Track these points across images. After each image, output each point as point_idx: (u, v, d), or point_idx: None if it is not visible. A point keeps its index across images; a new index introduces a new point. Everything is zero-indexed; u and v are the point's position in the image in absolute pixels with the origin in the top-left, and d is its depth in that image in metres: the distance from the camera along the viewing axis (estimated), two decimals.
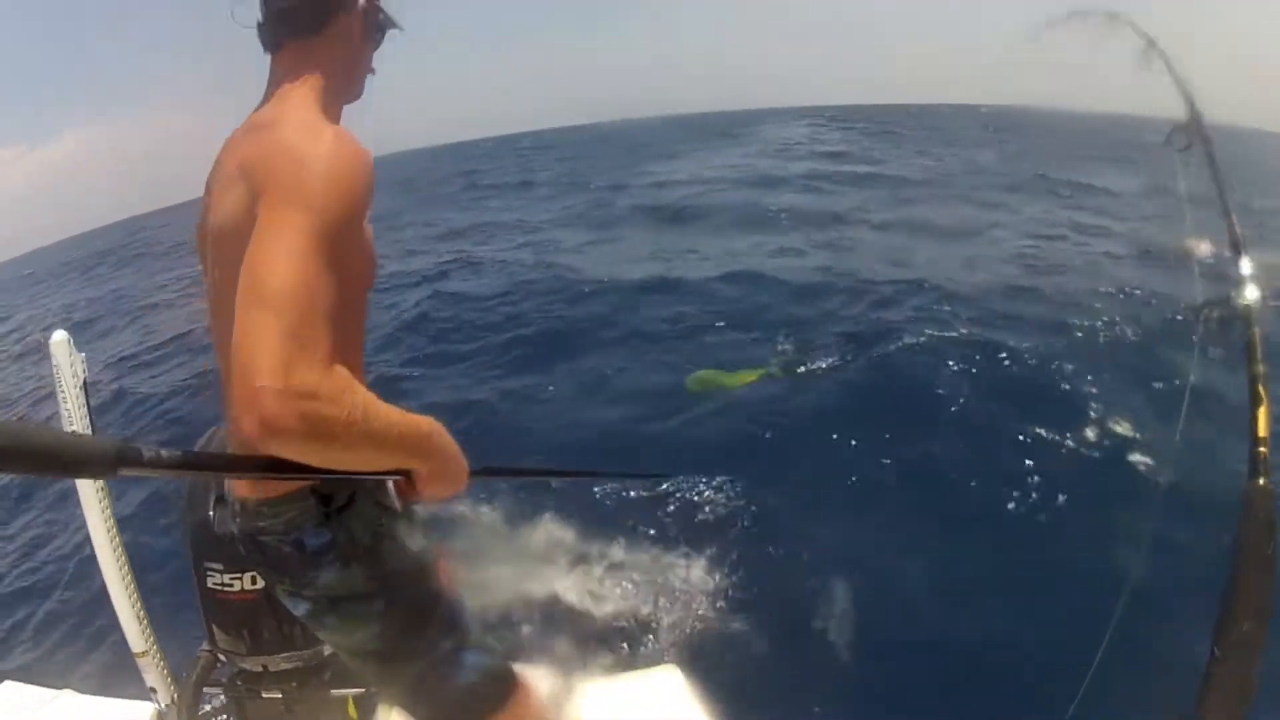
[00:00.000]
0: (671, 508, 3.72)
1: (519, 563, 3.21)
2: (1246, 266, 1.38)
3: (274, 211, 0.83)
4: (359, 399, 0.81)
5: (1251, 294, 1.34)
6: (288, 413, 0.74)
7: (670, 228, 10.72)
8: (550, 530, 3.51)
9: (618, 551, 3.37)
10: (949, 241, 8.62)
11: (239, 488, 1.10)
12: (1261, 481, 1.14)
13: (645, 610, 3.05)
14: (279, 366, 0.74)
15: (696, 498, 3.76)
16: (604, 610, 3.03)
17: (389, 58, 1.19)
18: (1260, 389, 1.23)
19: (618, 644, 2.87)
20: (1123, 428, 4.16)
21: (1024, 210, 10.60)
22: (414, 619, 1.11)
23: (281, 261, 0.79)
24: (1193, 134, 1.64)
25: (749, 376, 5.05)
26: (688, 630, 2.94)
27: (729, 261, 8.24)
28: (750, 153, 21.33)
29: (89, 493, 1.85)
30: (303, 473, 0.83)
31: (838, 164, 16.98)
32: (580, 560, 3.31)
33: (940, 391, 4.66)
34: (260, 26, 1.08)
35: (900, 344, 5.35)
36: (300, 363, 0.76)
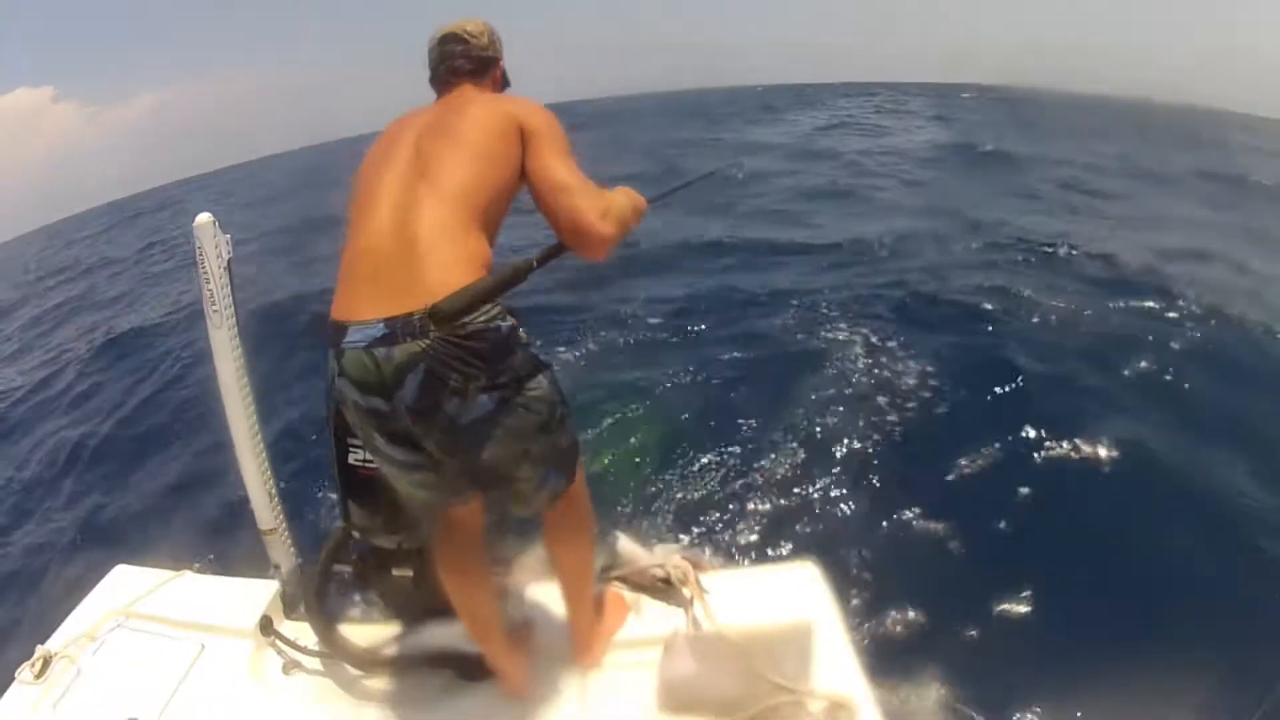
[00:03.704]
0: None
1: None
2: None
3: (557, 143, 1.51)
4: (615, 208, 1.50)
5: None
6: (612, 230, 1.45)
7: None
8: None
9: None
10: None
11: (419, 301, 1.29)
12: None
13: (787, 509, 3.14)
14: (600, 212, 1.45)
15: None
16: (746, 508, 3.14)
17: None
18: None
19: (758, 540, 2.98)
20: None
21: None
22: (558, 389, 1.48)
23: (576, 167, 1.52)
24: None
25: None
26: (830, 531, 3.01)
27: None
28: None
29: (227, 366, 1.83)
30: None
31: None
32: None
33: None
34: (435, 75, 1.70)
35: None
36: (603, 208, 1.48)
